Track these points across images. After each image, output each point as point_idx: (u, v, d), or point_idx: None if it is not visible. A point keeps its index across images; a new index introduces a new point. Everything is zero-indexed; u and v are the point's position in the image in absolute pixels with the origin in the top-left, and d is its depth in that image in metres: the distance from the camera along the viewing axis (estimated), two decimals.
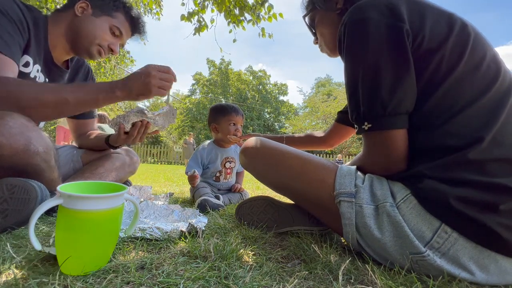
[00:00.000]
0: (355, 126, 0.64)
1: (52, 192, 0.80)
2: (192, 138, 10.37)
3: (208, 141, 1.52)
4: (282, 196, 1.83)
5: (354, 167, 0.69)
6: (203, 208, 1.11)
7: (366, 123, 0.60)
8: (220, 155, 1.44)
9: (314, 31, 0.90)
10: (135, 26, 1.09)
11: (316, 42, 0.92)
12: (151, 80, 0.85)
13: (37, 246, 0.47)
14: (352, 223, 0.61)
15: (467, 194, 0.51)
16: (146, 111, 0.97)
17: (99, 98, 0.84)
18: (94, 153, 1.18)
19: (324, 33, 0.86)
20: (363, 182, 0.64)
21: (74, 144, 1.31)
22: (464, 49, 0.57)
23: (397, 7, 0.58)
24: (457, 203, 0.51)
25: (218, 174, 1.45)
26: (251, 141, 0.82)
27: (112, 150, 1.20)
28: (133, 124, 0.97)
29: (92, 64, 5.09)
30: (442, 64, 0.56)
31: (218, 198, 1.28)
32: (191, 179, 1.34)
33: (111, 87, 0.85)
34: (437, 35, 0.57)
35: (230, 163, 1.46)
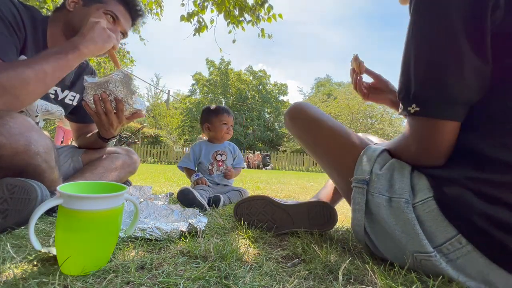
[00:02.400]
0: (400, 105, 0.55)
1: (52, 192, 0.80)
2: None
3: (201, 140, 1.72)
4: (281, 196, 1.82)
5: (380, 149, 0.64)
6: (182, 196, 1.16)
7: (413, 105, 0.51)
8: (211, 149, 1.62)
9: None
10: (131, 8, 1.06)
11: None
12: (104, 26, 0.88)
13: (37, 246, 0.47)
14: (362, 209, 0.59)
15: (503, 216, 0.46)
16: (93, 80, 0.90)
17: (69, 59, 0.82)
18: (94, 153, 1.18)
19: None
20: (381, 169, 0.60)
21: (74, 144, 1.31)
22: None
23: None
24: (486, 221, 0.47)
25: (210, 167, 1.60)
26: (295, 104, 0.81)
27: (111, 150, 1.19)
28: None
29: (92, 64, 5.09)
30: None
31: (218, 198, 1.28)
32: (198, 181, 1.49)
33: (74, 46, 0.84)
34: None
35: (221, 156, 1.62)
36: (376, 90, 0.97)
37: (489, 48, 0.46)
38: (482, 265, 0.48)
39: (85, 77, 0.91)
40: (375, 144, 0.70)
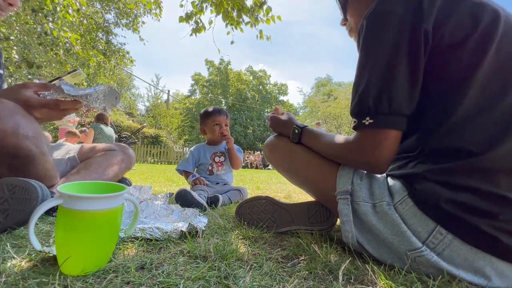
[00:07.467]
0: (354, 120, 0.62)
1: (52, 192, 0.80)
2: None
3: (199, 144, 1.74)
4: (281, 196, 1.83)
5: None
6: (180, 197, 1.16)
7: (367, 118, 0.58)
8: (209, 151, 1.65)
9: (344, 11, 0.84)
10: None
11: (344, 23, 0.85)
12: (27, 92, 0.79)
13: (37, 246, 0.47)
14: (350, 220, 0.62)
15: (466, 200, 0.50)
16: (71, 91, 0.81)
17: None
18: (90, 151, 1.19)
19: (355, 15, 0.80)
20: (361, 179, 0.64)
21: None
22: (489, 45, 0.52)
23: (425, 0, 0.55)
24: (454, 207, 0.51)
25: (210, 168, 1.62)
26: (271, 137, 0.91)
27: (106, 146, 1.19)
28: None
29: (92, 64, 5.06)
30: (463, 61, 0.53)
31: (217, 198, 1.28)
32: (195, 181, 1.49)
33: None
34: (461, 30, 0.53)
35: (219, 157, 1.64)
36: None
37: (421, 75, 0.56)
38: (466, 252, 0.51)
39: (68, 87, 0.81)
40: None
